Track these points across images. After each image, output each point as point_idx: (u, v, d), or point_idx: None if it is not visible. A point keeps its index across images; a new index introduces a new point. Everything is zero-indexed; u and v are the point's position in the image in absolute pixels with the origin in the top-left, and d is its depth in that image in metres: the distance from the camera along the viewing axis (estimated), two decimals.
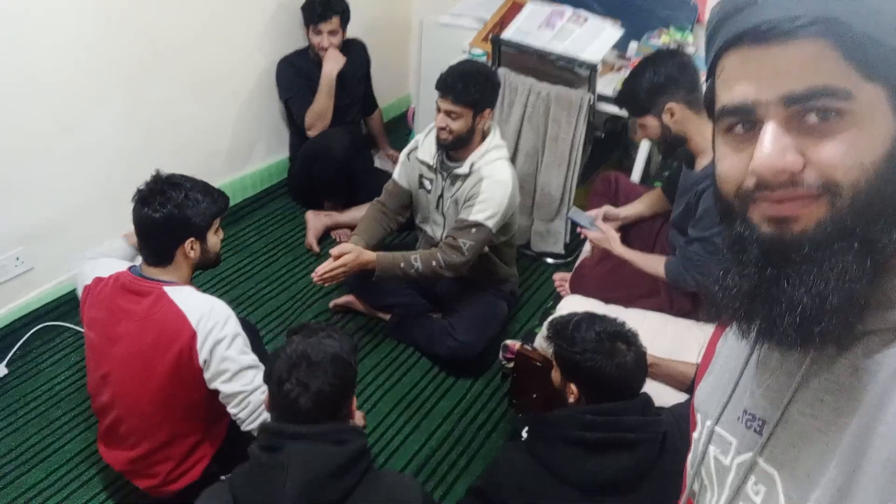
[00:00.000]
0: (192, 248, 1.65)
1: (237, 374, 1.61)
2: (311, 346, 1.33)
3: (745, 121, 0.58)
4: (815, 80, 0.53)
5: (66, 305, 2.49)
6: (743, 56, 0.58)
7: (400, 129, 3.77)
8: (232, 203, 3.01)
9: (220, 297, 2.55)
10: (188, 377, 1.62)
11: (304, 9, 2.80)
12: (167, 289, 1.62)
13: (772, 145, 0.55)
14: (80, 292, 1.78)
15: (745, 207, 0.59)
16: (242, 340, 1.64)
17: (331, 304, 2.57)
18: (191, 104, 2.72)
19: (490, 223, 2.13)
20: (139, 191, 1.63)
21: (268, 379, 1.35)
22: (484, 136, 2.21)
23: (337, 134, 2.84)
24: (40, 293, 2.46)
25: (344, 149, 2.79)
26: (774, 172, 0.55)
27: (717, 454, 0.72)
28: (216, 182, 2.93)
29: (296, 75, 2.89)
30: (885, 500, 0.53)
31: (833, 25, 0.53)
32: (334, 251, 2.15)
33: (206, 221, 1.66)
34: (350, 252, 2.12)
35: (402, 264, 2.14)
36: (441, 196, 2.29)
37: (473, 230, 2.12)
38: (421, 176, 2.34)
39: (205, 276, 2.71)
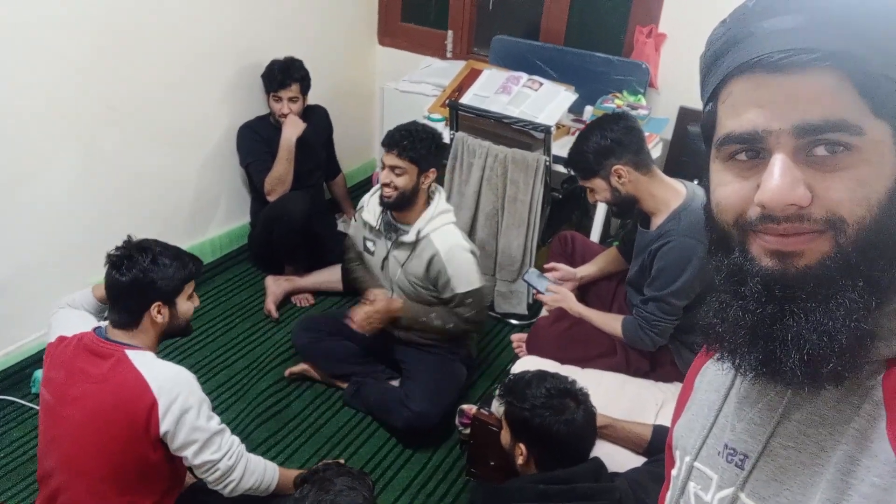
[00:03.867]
0: (159, 313, 1.62)
1: (207, 443, 1.58)
2: None
3: (750, 149, 0.57)
4: (831, 112, 0.53)
5: (11, 378, 2.40)
6: (755, 82, 0.56)
7: (365, 193, 3.78)
8: None
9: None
10: (141, 446, 1.55)
11: (265, 77, 2.84)
12: (129, 352, 1.57)
13: (782, 177, 0.54)
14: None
15: (744, 238, 0.58)
16: (208, 406, 1.60)
17: (286, 373, 2.50)
18: (149, 167, 2.71)
19: (476, 284, 2.18)
20: (109, 255, 1.63)
21: None
22: (429, 201, 2.21)
23: (297, 198, 2.83)
24: None
25: (303, 212, 2.78)
26: (784, 206, 0.54)
27: (696, 490, 0.71)
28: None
29: (256, 141, 2.90)
30: None
31: (850, 60, 0.53)
32: (369, 295, 2.21)
33: (173, 286, 1.64)
34: (382, 298, 2.19)
35: (424, 315, 2.21)
36: (386, 258, 2.28)
37: (468, 299, 2.16)
38: (364, 238, 2.33)
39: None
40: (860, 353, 0.55)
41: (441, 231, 2.16)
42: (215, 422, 1.61)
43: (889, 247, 0.54)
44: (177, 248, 1.70)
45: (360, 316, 2.17)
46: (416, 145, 2.10)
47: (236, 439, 1.66)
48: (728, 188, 0.59)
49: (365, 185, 3.84)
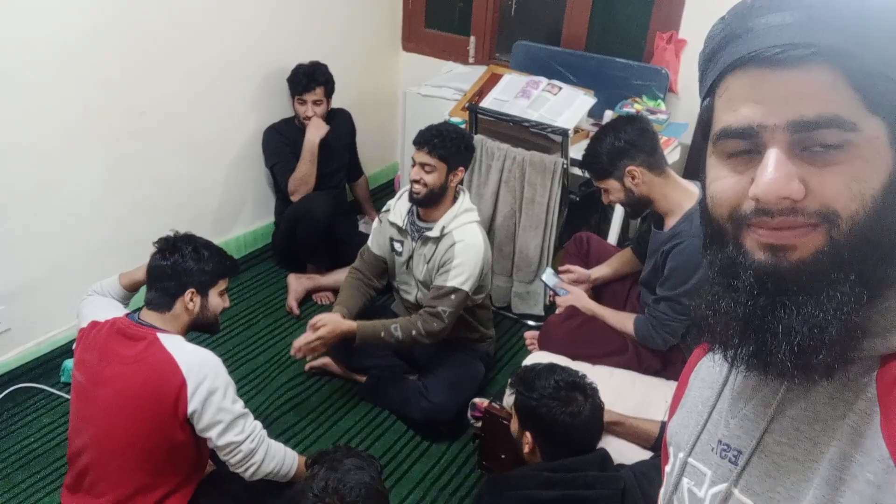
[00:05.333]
0: (191, 300, 1.72)
1: (231, 425, 1.64)
2: (341, 482, 1.22)
3: (745, 144, 0.57)
4: (826, 108, 0.53)
5: (42, 367, 2.49)
6: (751, 78, 0.56)
7: (388, 196, 3.83)
8: None
9: None
10: (170, 425, 1.62)
11: (290, 80, 2.92)
12: (160, 335, 1.65)
13: (776, 171, 0.54)
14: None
15: (738, 232, 0.59)
16: (233, 389, 1.67)
17: (307, 367, 2.56)
18: (177, 168, 2.80)
19: (466, 287, 2.16)
20: (156, 242, 1.77)
21: None
22: (455, 199, 2.26)
23: (320, 198, 2.90)
24: (16, 354, 2.46)
25: (326, 212, 2.84)
26: (777, 199, 0.54)
27: (690, 486, 0.71)
28: None
29: (281, 143, 2.98)
30: None
31: (846, 56, 0.53)
32: (311, 322, 2.17)
33: (208, 278, 1.75)
34: (327, 324, 2.14)
35: (382, 333, 2.16)
36: (411, 258, 2.33)
37: (452, 296, 2.16)
38: (391, 239, 2.38)
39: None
40: (850, 345, 0.55)
41: (464, 228, 2.21)
42: (240, 405, 1.67)
43: (882, 242, 0.55)
44: (218, 247, 1.82)
45: (301, 342, 2.13)
46: (445, 143, 2.16)
47: (259, 424, 1.72)
48: (723, 182, 0.60)
49: (387, 188, 3.91)
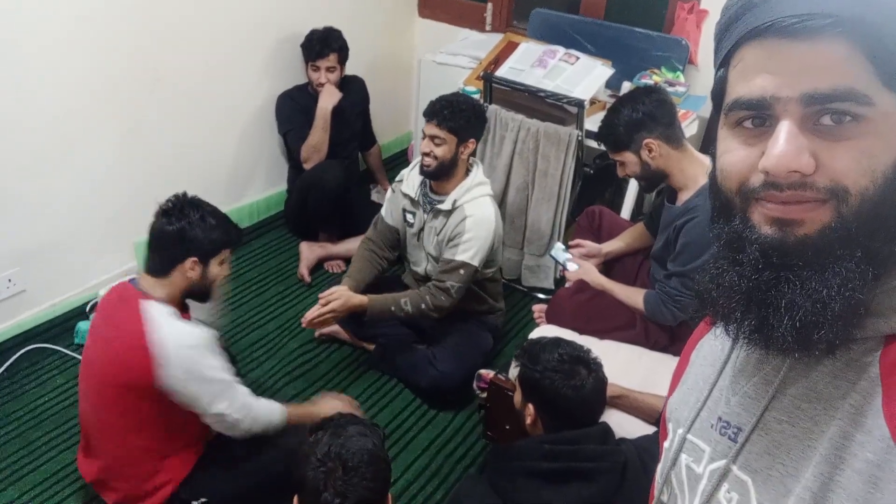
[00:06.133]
0: (192, 269, 1.67)
1: (213, 399, 1.62)
2: (343, 448, 1.22)
3: (757, 116, 0.56)
4: (840, 81, 0.52)
5: (57, 328, 2.53)
6: (766, 48, 0.55)
7: (401, 165, 3.81)
8: None
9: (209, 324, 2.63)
10: (145, 394, 1.60)
11: (304, 46, 2.89)
12: (146, 303, 1.61)
13: (787, 144, 0.54)
14: None
15: (746, 205, 0.58)
16: (212, 363, 1.63)
17: (316, 334, 2.58)
18: (191, 134, 2.80)
19: (475, 261, 2.16)
20: (162, 205, 1.69)
21: (299, 488, 1.26)
22: (468, 172, 2.24)
23: (332, 167, 2.89)
24: (31, 315, 2.49)
25: (338, 181, 2.83)
26: (787, 172, 0.53)
27: (689, 462, 0.71)
28: None
29: (294, 110, 2.96)
30: None
31: (863, 28, 0.52)
32: (322, 296, 2.18)
33: (212, 246, 1.68)
34: (339, 298, 2.15)
35: (392, 307, 2.18)
36: (422, 230, 2.32)
37: (461, 270, 2.16)
38: (404, 210, 2.37)
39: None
40: (853, 322, 0.55)
41: (476, 202, 2.19)
42: (218, 381, 1.63)
43: (890, 219, 0.54)
44: (224, 214, 1.75)
45: (311, 315, 2.16)
46: (455, 116, 2.12)
47: (243, 392, 1.70)
48: (733, 155, 0.59)
49: (400, 157, 3.89)
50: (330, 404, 1.95)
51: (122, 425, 1.67)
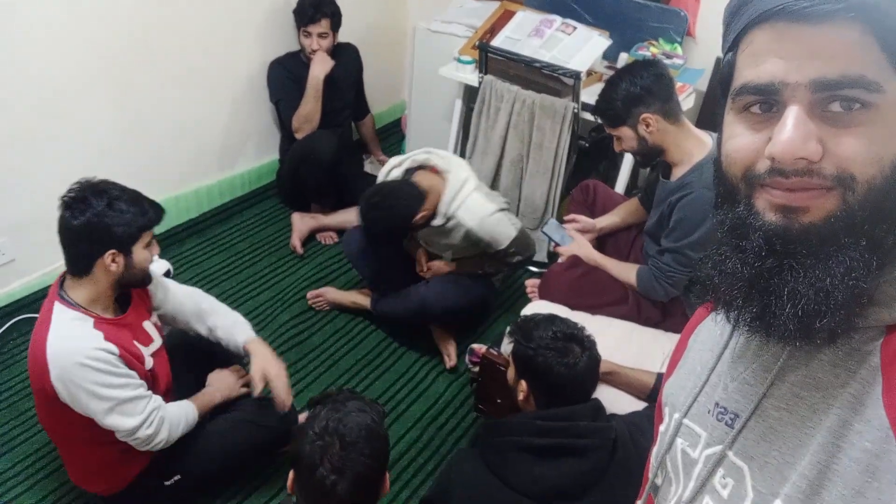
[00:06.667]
0: (113, 262, 1.51)
1: (110, 412, 1.52)
2: (341, 423, 1.20)
3: (765, 101, 0.56)
4: (850, 67, 0.51)
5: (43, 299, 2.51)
6: (777, 32, 0.54)
7: (395, 136, 3.79)
8: (220, 202, 3.09)
9: None
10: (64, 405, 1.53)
11: (296, 11, 2.83)
12: (57, 306, 1.53)
13: (795, 130, 0.53)
14: None
15: (750, 192, 0.57)
16: (100, 385, 1.49)
17: (316, 304, 2.61)
18: (182, 102, 2.75)
19: (513, 233, 2.22)
20: (63, 197, 1.52)
21: (295, 462, 1.22)
22: (446, 180, 2.22)
23: (324, 137, 2.85)
24: (22, 284, 2.48)
25: (331, 151, 2.80)
26: (794, 159, 0.53)
27: (684, 447, 0.71)
28: (208, 181, 3.00)
29: (286, 78, 2.91)
30: (857, 494, 0.53)
31: (875, 13, 0.51)
32: (429, 266, 2.42)
33: (129, 234, 1.51)
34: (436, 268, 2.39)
35: (481, 267, 2.37)
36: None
37: (512, 249, 2.24)
38: None
39: (187, 273, 2.73)
40: (855, 312, 0.55)
41: (465, 206, 2.18)
42: (117, 393, 1.51)
43: (895, 208, 0.53)
44: (136, 193, 1.57)
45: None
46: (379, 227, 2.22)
47: (153, 404, 1.59)
48: (739, 140, 0.58)
49: (394, 128, 3.84)
50: (224, 382, 1.85)
51: (61, 428, 1.63)
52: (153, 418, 1.57)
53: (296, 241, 2.90)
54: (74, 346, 1.49)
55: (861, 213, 0.53)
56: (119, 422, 1.53)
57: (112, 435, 1.59)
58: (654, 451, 0.78)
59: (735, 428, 0.64)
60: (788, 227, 0.55)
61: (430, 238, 2.36)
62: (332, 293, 2.59)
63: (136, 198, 1.55)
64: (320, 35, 2.80)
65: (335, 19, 2.83)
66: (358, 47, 3.10)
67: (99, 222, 1.48)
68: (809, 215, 0.54)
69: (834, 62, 0.52)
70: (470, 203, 2.18)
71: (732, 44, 0.60)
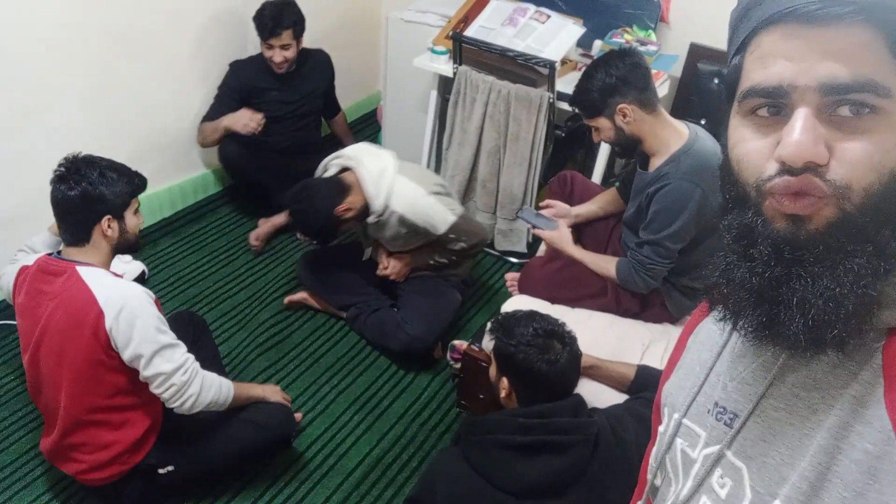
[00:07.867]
0: (109, 227, 1.65)
1: (156, 354, 1.60)
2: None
3: (773, 104, 0.55)
4: (860, 71, 0.51)
5: None
6: (786, 34, 0.54)
7: (370, 127, 3.75)
8: (195, 200, 3.04)
9: (176, 295, 2.58)
10: (104, 358, 1.60)
11: (256, 22, 2.69)
12: (80, 268, 1.61)
13: (804, 133, 0.52)
14: (9, 290, 1.79)
15: (761, 199, 0.57)
16: (158, 320, 1.62)
17: (286, 300, 2.56)
18: (156, 91, 2.70)
19: (453, 216, 2.20)
20: (56, 170, 1.63)
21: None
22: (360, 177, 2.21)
23: (228, 145, 2.81)
24: None
25: (234, 155, 2.80)
26: (802, 162, 0.52)
27: (683, 446, 0.71)
28: (182, 178, 2.95)
29: (232, 87, 2.81)
30: (858, 496, 0.53)
31: (886, 15, 0.51)
32: (384, 262, 2.40)
33: (122, 199, 1.67)
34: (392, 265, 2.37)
35: (432, 258, 2.36)
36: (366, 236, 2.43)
37: (452, 235, 2.22)
38: None
39: (162, 274, 2.69)
40: (865, 319, 0.54)
41: (396, 194, 2.18)
42: (167, 336, 1.63)
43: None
44: (121, 164, 1.72)
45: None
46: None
47: (191, 357, 1.68)
48: (748, 145, 0.58)
49: (369, 119, 3.80)
50: (272, 389, 2.02)
51: (88, 394, 1.64)
52: (188, 366, 1.65)
53: (254, 236, 2.84)
54: (128, 288, 1.61)
55: (863, 219, 0.53)
56: (161, 365, 1.60)
57: (137, 412, 1.69)
58: (654, 451, 0.78)
59: (734, 428, 0.64)
60: (796, 235, 0.55)
61: (379, 234, 2.34)
62: (309, 301, 2.56)
63: (122, 168, 1.70)
64: (282, 47, 2.70)
65: (297, 28, 2.71)
66: (330, 36, 3.03)
67: (94, 190, 1.61)
68: (813, 223, 0.54)
69: (844, 65, 0.51)
70: (398, 189, 2.18)
71: (740, 47, 0.59)
